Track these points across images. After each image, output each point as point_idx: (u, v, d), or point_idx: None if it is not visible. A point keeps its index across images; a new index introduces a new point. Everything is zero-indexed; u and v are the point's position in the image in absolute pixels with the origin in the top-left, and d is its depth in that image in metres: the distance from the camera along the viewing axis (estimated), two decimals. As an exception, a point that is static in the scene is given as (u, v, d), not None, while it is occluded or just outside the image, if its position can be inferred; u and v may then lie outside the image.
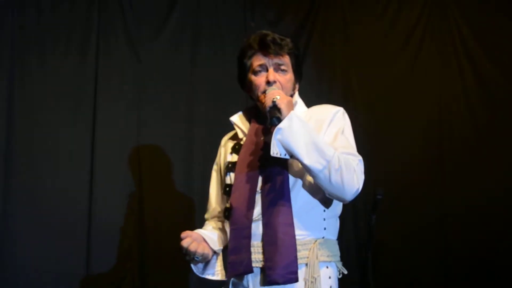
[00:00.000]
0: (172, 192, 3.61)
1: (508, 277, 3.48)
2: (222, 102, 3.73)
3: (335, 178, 1.90)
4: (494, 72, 3.72)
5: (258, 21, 3.89)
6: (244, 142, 2.15)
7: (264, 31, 2.13)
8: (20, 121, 3.41)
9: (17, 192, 3.34)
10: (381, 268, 3.55)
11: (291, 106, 1.97)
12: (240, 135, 2.20)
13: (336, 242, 2.13)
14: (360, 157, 2.01)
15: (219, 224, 2.25)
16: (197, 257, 2.03)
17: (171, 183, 3.62)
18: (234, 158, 2.16)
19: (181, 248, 2.00)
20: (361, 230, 3.65)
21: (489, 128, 3.68)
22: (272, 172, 2.01)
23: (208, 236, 2.11)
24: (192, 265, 2.11)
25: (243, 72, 2.16)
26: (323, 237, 2.04)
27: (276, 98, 1.95)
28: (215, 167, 2.30)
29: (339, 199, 2.02)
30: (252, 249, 2.00)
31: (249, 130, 2.16)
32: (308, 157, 1.89)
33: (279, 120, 1.91)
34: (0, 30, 3.40)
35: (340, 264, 2.10)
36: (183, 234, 2.02)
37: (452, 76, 3.80)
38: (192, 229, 3.47)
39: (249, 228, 2.01)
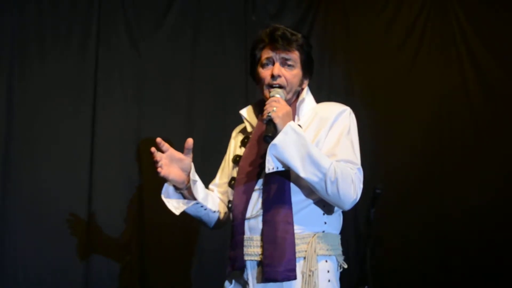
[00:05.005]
0: (172, 185, 3.60)
1: (506, 271, 3.49)
2: (222, 96, 3.74)
3: (331, 189, 1.93)
4: (495, 68, 3.70)
5: (259, 14, 3.89)
6: (251, 138, 2.17)
7: (277, 25, 2.15)
8: (19, 117, 3.40)
9: (17, 186, 3.34)
10: (380, 262, 3.57)
11: (289, 117, 1.97)
12: (249, 128, 2.22)
13: (337, 236, 2.13)
14: (359, 165, 2.02)
15: (216, 191, 2.32)
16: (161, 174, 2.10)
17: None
18: (242, 151, 2.19)
19: (154, 156, 2.11)
20: (361, 225, 3.66)
21: (490, 126, 3.67)
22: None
23: (201, 184, 2.15)
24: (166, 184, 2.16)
25: (253, 63, 2.19)
26: (323, 231, 2.05)
27: (273, 110, 1.95)
28: (225, 157, 2.36)
29: (338, 207, 2.04)
30: (250, 243, 2.02)
31: (256, 127, 2.18)
32: (303, 170, 1.92)
33: (272, 138, 1.92)
34: (0, 22, 3.39)
35: (341, 258, 2.11)
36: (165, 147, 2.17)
37: (452, 71, 3.79)
38: (192, 225, 3.51)
39: (242, 224, 2.04)
